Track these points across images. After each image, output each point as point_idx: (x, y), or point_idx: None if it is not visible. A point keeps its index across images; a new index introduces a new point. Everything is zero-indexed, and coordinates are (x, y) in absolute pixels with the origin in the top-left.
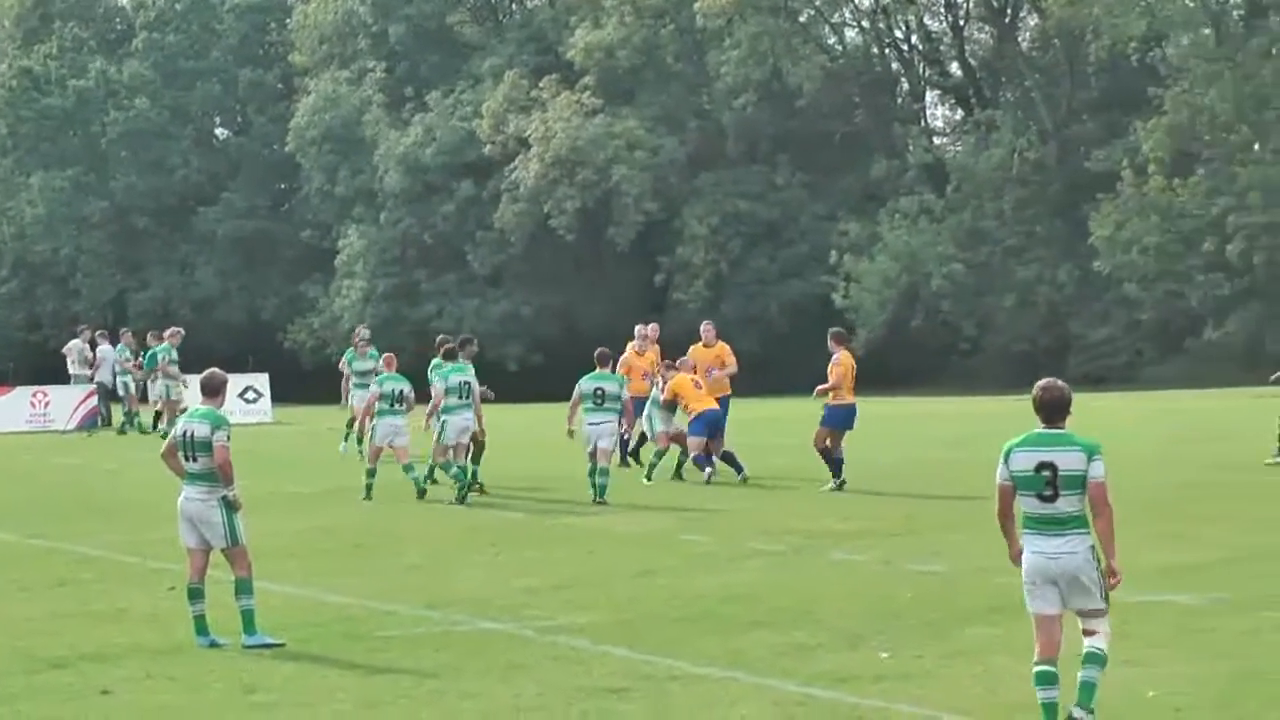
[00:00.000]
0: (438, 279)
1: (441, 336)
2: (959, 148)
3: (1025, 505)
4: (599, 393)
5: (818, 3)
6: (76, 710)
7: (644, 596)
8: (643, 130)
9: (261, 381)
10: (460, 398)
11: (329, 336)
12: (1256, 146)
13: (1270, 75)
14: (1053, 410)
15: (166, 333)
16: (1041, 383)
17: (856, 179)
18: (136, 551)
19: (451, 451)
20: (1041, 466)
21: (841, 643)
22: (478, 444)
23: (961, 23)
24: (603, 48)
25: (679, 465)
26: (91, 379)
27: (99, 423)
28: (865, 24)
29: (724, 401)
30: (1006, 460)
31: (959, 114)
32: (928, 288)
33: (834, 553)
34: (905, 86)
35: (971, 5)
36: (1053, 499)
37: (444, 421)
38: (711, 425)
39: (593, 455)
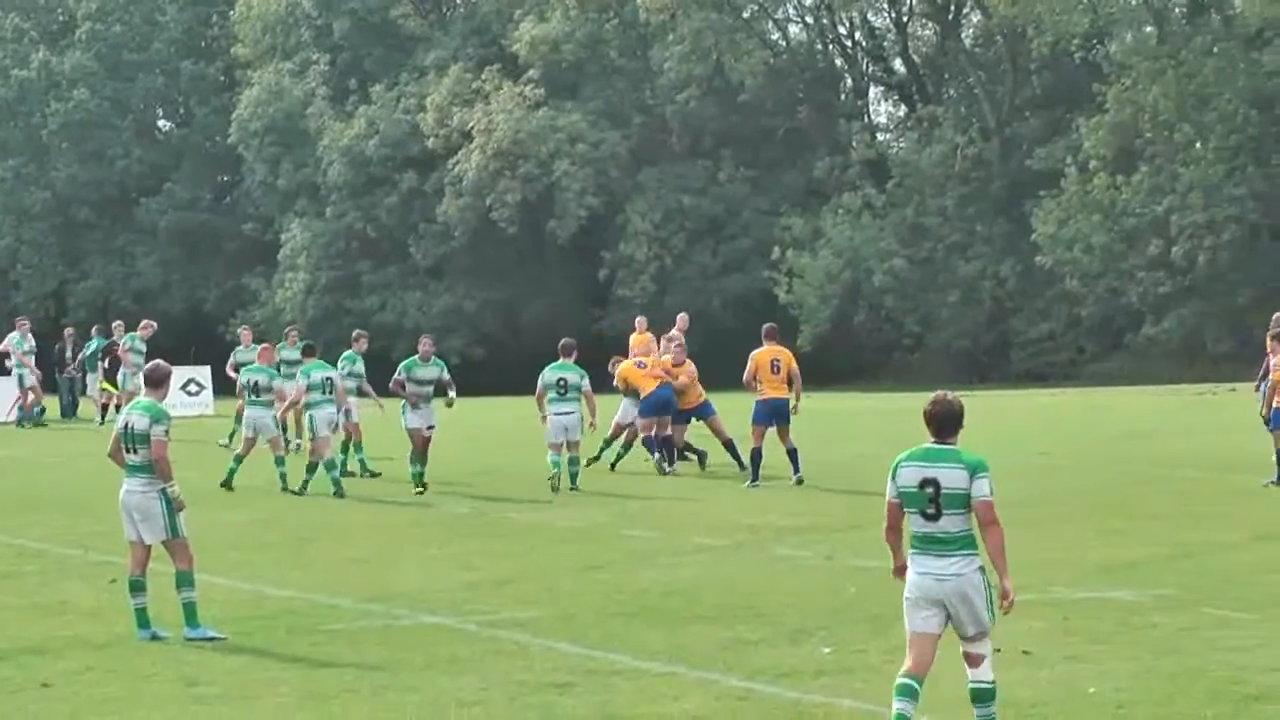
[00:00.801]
0: (380, 272)
1: (357, 331)
2: (902, 144)
3: (912, 523)
4: (561, 383)
5: None
6: (17, 703)
7: (586, 591)
8: (585, 124)
9: (203, 374)
10: (323, 393)
11: (271, 329)
12: (1198, 145)
13: (1212, 74)
14: (942, 424)
15: (140, 324)
16: (932, 396)
17: (799, 174)
18: (78, 544)
19: (324, 444)
20: (925, 483)
21: (784, 638)
22: (424, 446)
23: (905, 19)
24: (547, 41)
25: (619, 456)
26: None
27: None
28: (809, 20)
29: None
30: (894, 476)
31: (902, 110)
32: (870, 284)
33: (777, 548)
34: (849, 82)
35: (915, 2)
36: (935, 517)
37: (311, 416)
38: (660, 407)
39: (558, 446)
